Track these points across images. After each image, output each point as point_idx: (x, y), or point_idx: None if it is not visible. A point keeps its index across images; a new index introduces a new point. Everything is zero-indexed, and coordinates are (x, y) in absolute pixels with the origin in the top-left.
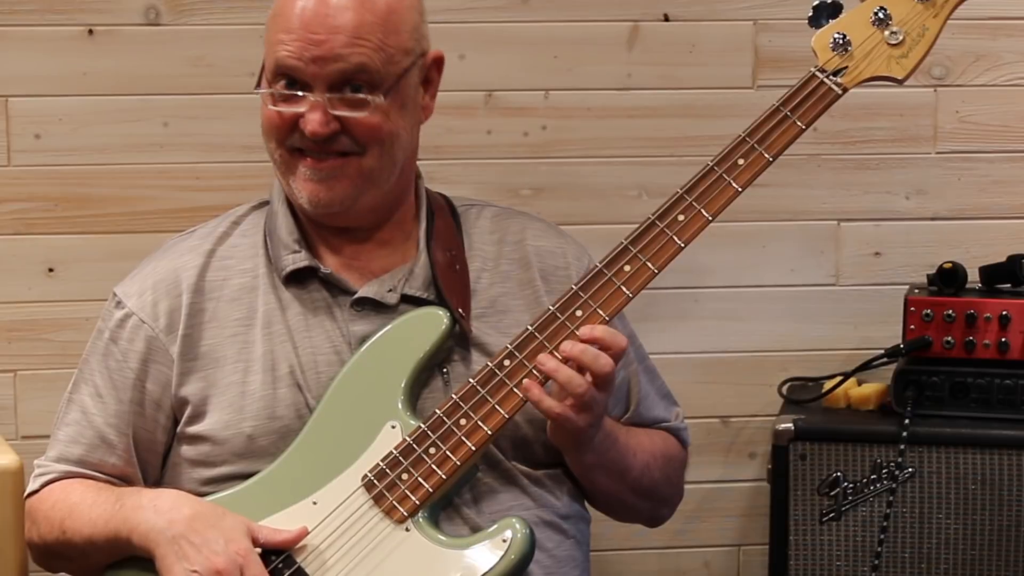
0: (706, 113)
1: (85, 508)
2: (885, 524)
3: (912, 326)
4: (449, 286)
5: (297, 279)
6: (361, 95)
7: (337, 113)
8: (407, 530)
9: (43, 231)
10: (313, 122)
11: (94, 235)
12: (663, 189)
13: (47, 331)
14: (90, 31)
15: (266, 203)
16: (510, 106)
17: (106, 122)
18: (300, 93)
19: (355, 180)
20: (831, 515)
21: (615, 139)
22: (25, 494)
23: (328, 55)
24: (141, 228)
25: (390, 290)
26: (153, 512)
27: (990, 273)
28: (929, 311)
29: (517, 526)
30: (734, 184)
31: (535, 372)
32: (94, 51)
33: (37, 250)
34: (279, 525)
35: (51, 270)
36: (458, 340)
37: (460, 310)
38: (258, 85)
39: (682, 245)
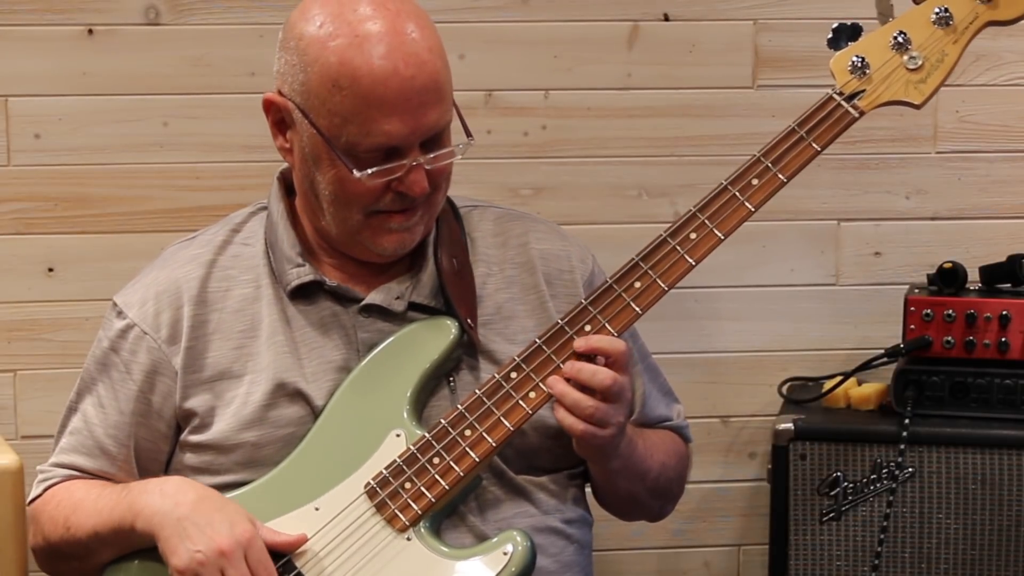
0: (706, 113)
1: (90, 501)
2: (885, 524)
3: (912, 326)
4: (457, 294)
5: (302, 292)
6: (450, 148)
7: (429, 167)
8: (408, 539)
9: (43, 231)
10: (419, 184)
11: (94, 235)
12: (663, 189)
13: (47, 331)
14: (90, 31)
15: (263, 208)
16: (510, 106)
17: (106, 122)
18: (402, 163)
19: (431, 218)
20: (831, 515)
21: (615, 139)
22: (28, 500)
23: (429, 124)
24: (141, 228)
25: (397, 297)
26: (159, 495)
27: (990, 273)
28: (929, 311)
29: (518, 539)
30: (748, 204)
31: (542, 387)
32: (94, 51)
33: (37, 250)
34: (281, 529)
35: (51, 270)
36: (465, 349)
37: (468, 320)
38: (350, 168)
39: (693, 263)
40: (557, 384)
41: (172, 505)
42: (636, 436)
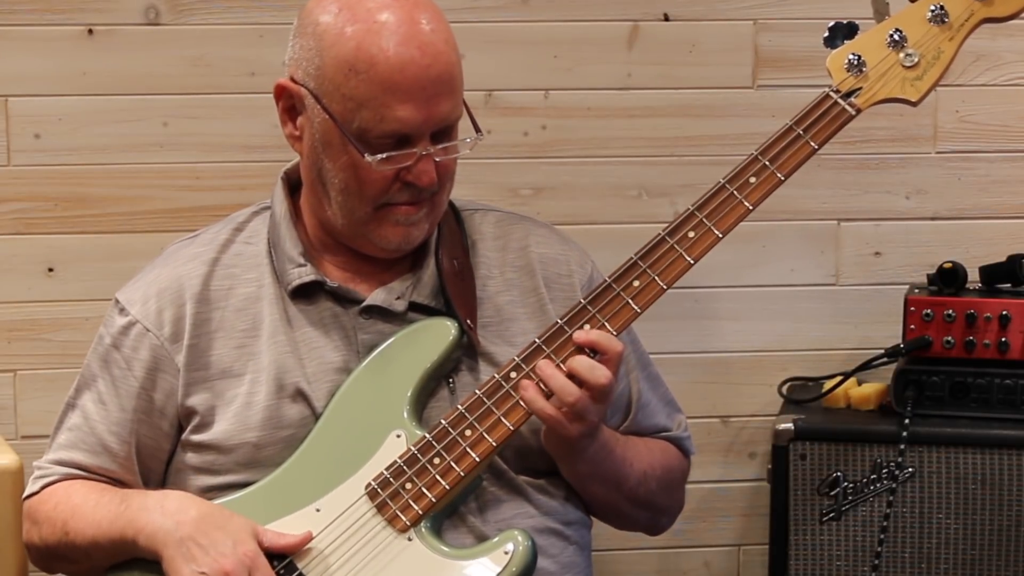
0: (706, 113)
1: (89, 509)
2: (885, 524)
3: (912, 326)
4: (457, 295)
5: (304, 292)
6: (457, 141)
7: (438, 159)
8: (409, 539)
9: (43, 231)
10: (429, 174)
11: (94, 235)
12: (663, 189)
13: (47, 331)
14: (90, 31)
15: (266, 208)
16: (510, 106)
17: (106, 122)
18: (412, 151)
19: (436, 215)
20: (831, 515)
21: (615, 139)
22: (24, 495)
23: (442, 114)
24: (141, 228)
25: (398, 298)
26: (160, 513)
27: (990, 273)
28: (929, 311)
29: (519, 538)
30: (745, 203)
31: (532, 375)
32: (94, 51)
33: (37, 250)
34: (282, 530)
35: (51, 270)
36: (465, 350)
37: (468, 321)
38: (361, 152)
39: (692, 262)
40: (546, 367)
41: (174, 524)
42: (615, 444)
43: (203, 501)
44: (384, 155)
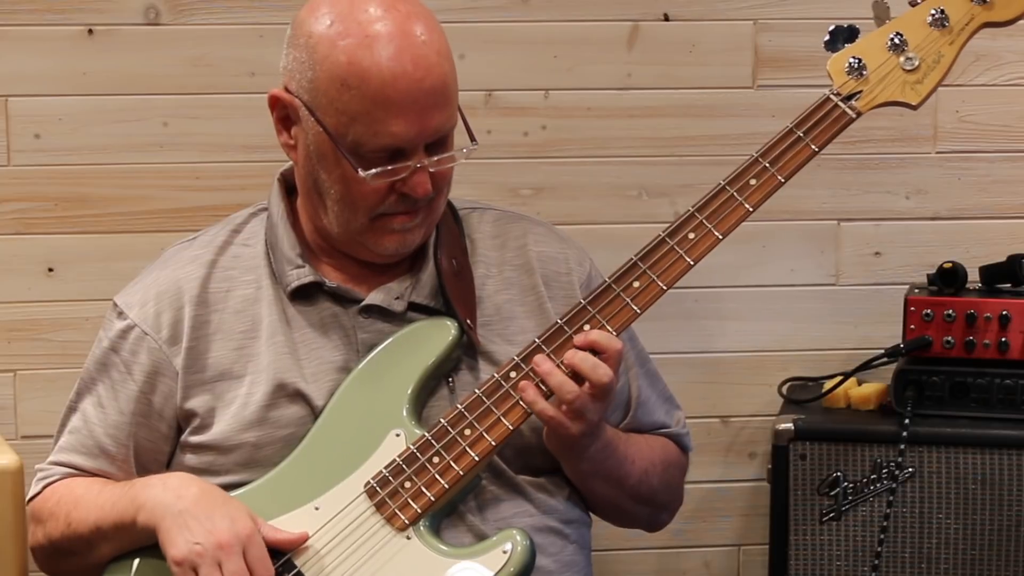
0: (706, 113)
1: (92, 496)
2: (885, 524)
3: (912, 326)
4: (456, 295)
5: (303, 293)
6: (452, 152)
7: (433, 170)
8: (408, 538)
9: (43, 231)
10: (423, 185)
11: (94, 235)
12: (663, 189)
13: (47, 331)
14: (90, 31)
15: (264, 209)
16: (510, 106)
17: (106, 122)
18: (406, 164)
19: (433, 220)
20: (831, 515)
21: (615, 139)
22: (27, 498)
23: (435, 126)
24: (141, 228)
25: (397, 298)
26: (161, 489)
27: (990, 273)
28: (929, 311)
29: (517, 537)
30: (745, 204)
31: (531, 374)
32: (94, 51)
33: (37, 250)
34: (281, 528)
35: (51, 270)
36: (465, 349)
37: (468, 320)
38: (355, 167)
39: (691, 263)
40: (544, 363)
41: (174, 498)
42: (617, 441)
43: (205, 482)
44: (377, 169)
